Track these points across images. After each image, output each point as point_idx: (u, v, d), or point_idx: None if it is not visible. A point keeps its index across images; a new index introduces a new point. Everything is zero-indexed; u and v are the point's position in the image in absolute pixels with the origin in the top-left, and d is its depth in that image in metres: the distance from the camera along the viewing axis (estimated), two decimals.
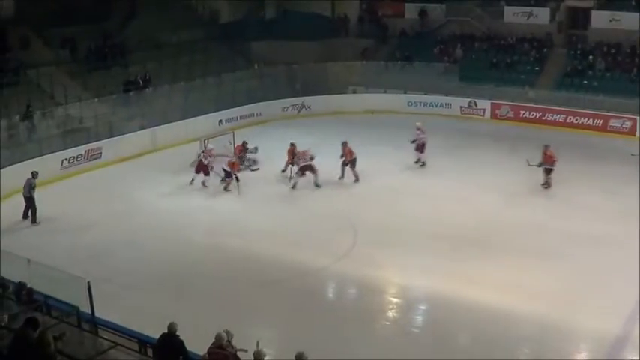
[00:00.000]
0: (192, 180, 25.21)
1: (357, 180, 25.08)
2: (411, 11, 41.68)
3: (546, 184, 24.05)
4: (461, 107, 35.05)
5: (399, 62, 38.34)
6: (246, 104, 34.24)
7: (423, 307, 17.39)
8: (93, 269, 16.97)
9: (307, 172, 24.65)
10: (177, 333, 11.95)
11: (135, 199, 24.12)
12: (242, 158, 26.63)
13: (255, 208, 23.31)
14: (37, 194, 22.31)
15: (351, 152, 25.11)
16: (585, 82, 34.07)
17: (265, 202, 23.77)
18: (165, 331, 12.00)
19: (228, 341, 12.09)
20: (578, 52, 36.01)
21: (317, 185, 24.64)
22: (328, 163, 25.03)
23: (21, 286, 13.84)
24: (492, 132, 31.75)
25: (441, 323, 16.01)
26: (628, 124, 30.77)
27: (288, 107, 35.70)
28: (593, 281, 17.35)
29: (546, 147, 24.13)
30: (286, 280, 17.97)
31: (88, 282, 13.99)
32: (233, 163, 24.78)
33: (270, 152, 26.74)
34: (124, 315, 14.60)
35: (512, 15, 38.69)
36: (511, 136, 29.85)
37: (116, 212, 22.71)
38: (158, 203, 23.79)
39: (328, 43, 40.22)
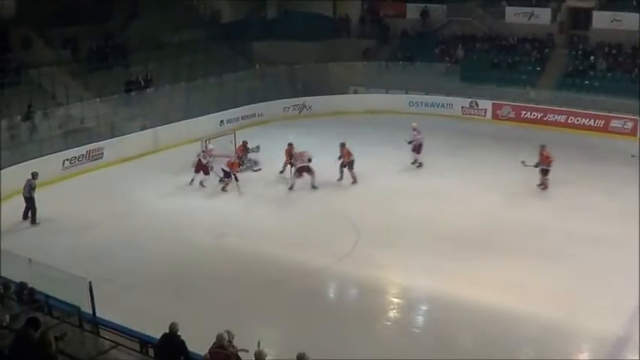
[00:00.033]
0: (192, 180, 25.24)
1: (354, 181, 25.00)
2: (412, 11, 41.64)
3: (543, 185, 24.01)
4: (462, 107, 35.03)
5: (400, 62, 38.31)
6: (248, 104, 34.26)
7: (424, 308, 17.40)
8: (94, 269, 17.03)
9: (305, 174, 24.56)
10: (179, 333, 11.95)
11: (136, 200, 24.14)
12: (243, 158, 26.64)
13: (256, 208, 23.32)
14: (39, 194, 22.33)
15: (349, 153, 25.01)
16: (586, 82, 34.05)
17: (266, 202, 23.78)
18: (167, 331, 12.01)
19: (230, 341, 12.09)
20: (580, 52, 36.01)
21: (314, 187, 24.55)
22: (329, 163, 24.98)
23: (22, 286, 13.86)
24: (493, 132, 31.75)
25: (442, 324, 16.01)
26: (629, 124, 30.74)
27: (289, 107, 35.72)
28: (594, 281, 17.35)
29: (543, 147, 24.09)
30: (287, 280, 17.97)
31: (90, 282, 14.03)
32: (232, 164, 24.78)
33: (272, 152, 26.73)
34: (125, 315, 14.63)
35: (514, 15, 38.66)
36: (512, 137, 29.82)
37: (117, 212, 22.72)
38: (159, 203, 23.80)
39: (329, 43, 40.22)
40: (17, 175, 22.87)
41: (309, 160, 24.47)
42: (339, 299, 18.32)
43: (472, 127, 32.80)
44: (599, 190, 23.79)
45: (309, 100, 35.87)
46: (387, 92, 36.88)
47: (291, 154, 25.27)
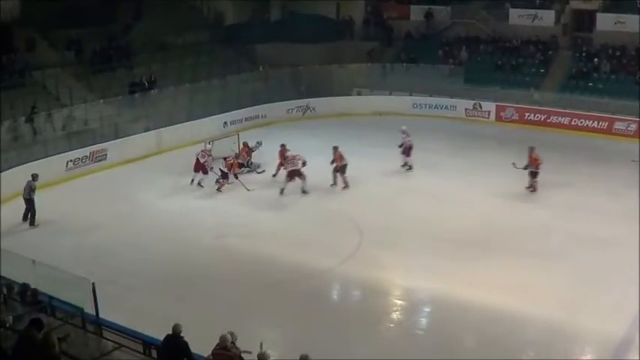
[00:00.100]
0: (193, 180, 25.28)
1: (346, 186, 24.70)
2: (416, 13, 41.67)
3: (531, 188, 23.94)
4: (466, 109, 35.02)
5: (404, 64, 38.34)
6: (251, 106, 34.29)
7: (427, 309, 17.36)
8: (97, 270, 17.07)
9: (296, 177, 24.17)
10: (182, 334, 11.95)
11: (139, 201, 24.15)
12: (247, 160, 26.67)
13: (259, 209, 23.28)
14: (42, 195, 22.37)
15: (341, 157, 24.71)
16: (590, 84, 34.05)
17: (269, 203, 23.74)
18: (170, 332, 12.01)
19: (233, 343, 12.11)
20: (583, 54, 36.02)
21: (304, 192, 24.20)
22: (331, 165, 24.97)
23: (25, 287, 13.87)
24: (497, 134, 31.75)
25: (445, 324, 16.00)
26: (633, 126, 30.72)
27: (293, 109, 35.74)
28: (596, 282, 17.34)
29: (532, 149, 24.01)
30: (290, 281, 17.97)
31: (93, 283, 14.06)
32: (231, 164, 24.79)
33: (275, 154, 26.66)
34: (129, 316, 14.66)
35: (518, 17, 38.69)
36: (516, 139, 29.79)
37: (121, 214, 22.74)
38: (163, 205, 23.81)
39: (333, 45, 40.24)
40: (21, 176, 22.85)
41: (304, 164, 24.16)
42: (343, 301, 18.29)
43: (476, 129, 32.79)
44: (603, 191, 23.76)
45: (312, 101, 35.91)
46: (390, 94, 36.92)
47: (284, 156, 25.18)
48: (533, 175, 23.80)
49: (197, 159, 25.27)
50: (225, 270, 18.90)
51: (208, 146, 26.03)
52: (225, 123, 32.40)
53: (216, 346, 11.97)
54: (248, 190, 24.65)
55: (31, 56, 30.92)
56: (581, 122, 32.22)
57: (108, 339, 12.23)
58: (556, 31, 37.80)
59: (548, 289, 17.04)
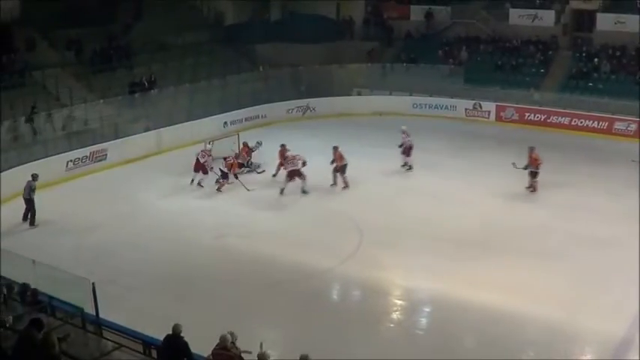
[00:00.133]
0: (192, 180, 25.29)
1: (346, 186, 24.67)
2: (416, 13, 41.66)
3: (531, 187, 23.93)
4: (466, 109, 35.03)
5: (404, 64, 38.34)
6: (251, 106, 34.29)
7: (427, 309, 17.36)
8: (97, 270, 17.08)
9: (296, 177, 24.13)
10: (182, 334, 11.95)
11: (139, 201, 24.15)
12: (247, 160, 26.67)
13: (259, 209, 23.28)
14: (42, 195, 22.38)
15: (341, 157, 24.68)
16: (590, 84, 34.06)
17: (269, 203, 23.73)
18: (170, 332, 12.01)
19: (233, 343, 12.11)
20: (584, 54, 36.02)
21: (304, 192, 24.16)
22: (331, 165, 24.97)
23: (25, 287, 13.87)
24: (497, 134, 31.75)
25: (445, 324, 16.00)
26: (633, 126, 30.71)
27: (293, 109, 35.75)
28: (596, 282, 17.34)
29: (532, 149, 24.01)
30: (290, 281, 17.97)
31: (93, 283, 14.06)
32: (231, 164, 24.79)
33: (275, 154, 26.65)
34: (129, 316, 14.68)
35: (518, 17, 38.69)
36: (516, 139, 29.78)
37: (121, 214, 22.74)
38: (163, 205, 23.81)
39: (333, 45, 40.23)
40: (21, 176, 22.85)
41: (304, 164, 24.13)
42: (343, 301, 18.28)
43: (476, 129, 32.80)
44: (603, 191, 23.77)
45: (312, 101, 35.92)
46: (390, 94, 36.93)
47: (284, 156, 25.16)
48: (533, 175, 23.80)
49: (197, 159, 25.30)
50: (225, 270, 18.90)
51: (208, 146, 26.04)
52: (225, 123, 32.40)
53: (216, 346, 11.97)
54: (248, 190, 24.66)
55: (31, 56, 30.92)
56: (581, 122, 32.22)
57: (108, 339, 12.23)
58: (556, 31, 37.80)
59: (548, 289, 17.04)
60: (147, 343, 12.94)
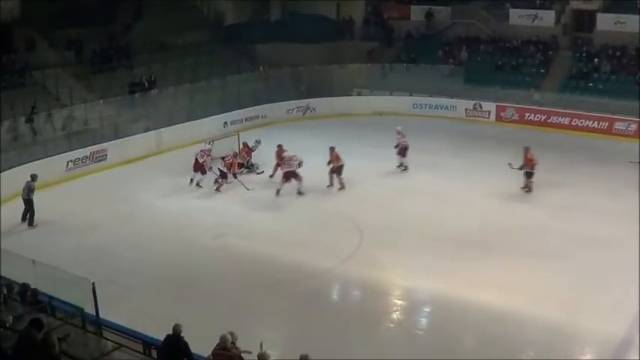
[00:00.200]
0: (192, 180, 25.29)
1: (342, 187, 24.59)
2: (416, 13, 41.68)
3: (527, 188, 23.91)
4: (466, 110, 35.03)
5: (404, 64, 38.34)
6: (252, 106, 34.30)
7: (427, 309, 17.35)
8: (97, 270, 17.06)
9: (292, 179, 24.04)
10: (182, 334, 11.95)
11: (139, 201, 24.15)
12: (247, 160, 26.65)
13: (259, 209, 23.29)
14: (42, 195, 22.39)
15: (338, 158, 24.60)
16: (590, 84, 34.07)
17: (269, 203, 23.73)
18: (170, 332, 12.01)
19: (233, 343, 12.11)
20: (584, 54, 36.04)
21: (300, 193, 24.07)
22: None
23: (25, 287, 13.87)
24: (497, 134, 31.73)
25: (446, 325, 15.98)
26: (633, 126, 30.71)
27: (293, 109, 35.76)
28: (596, 282, 17.34)
29: (527, 149, 23.97)
30: (291, 281, 17.95)
31: (93, 283, 14.05)
32: (231, 163, 24.78)
33: (274, 154, 26.64)
34: (129, 316, 14.70)
35: (518, 17, 38.71)
36: (516, 139, 29.75)
37: (121, 214, 22.74)
38: (162, 205, 23.81)
39: (333, 45, 40.24)
40: (21, 176, 22.83)
41: (299, 165, 24.02)
42: (343, 301, 18.26)
43: (476, 129, 32.80)
44: (603, 191, 23.77)
45: (312, 101, 35.93)
46: (390, 94, 36.94)
47: (280, 157, 25.13)
48: (529, 175, 23.78)
49: (196, 159, 25.28)
50: (225, 270, 18.90)
51: (207, 146, 26.04)
52: (226, 123, 32.41)
53: (217, 346, 11.97)
54: (247, 189, 24.65)
55: (31, 56, 30.92)
56: (582, 122, 32.22)
57: (108, 339, 12.23)
58: (556, 32, 37.81)
59: (548, 289, 17.04)
60: (147, 343, 12.94)
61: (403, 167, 26.70)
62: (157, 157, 29.04)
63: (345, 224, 21.59)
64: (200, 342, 12.19)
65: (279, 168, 25.01)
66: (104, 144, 28.06)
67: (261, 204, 23.66)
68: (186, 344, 11.87)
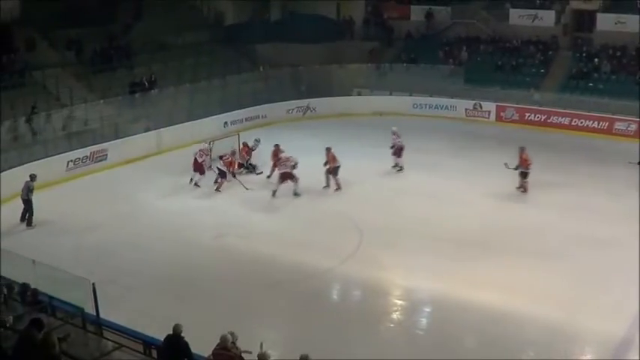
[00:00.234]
0: (192, 179, 25.29)
1: (338, 188, 24.50)
2: (416, 13, 41.68)
3: (522, 188, 23.91)
4: (466, 110, 35.04)
5: (404, 64, 38.35)
6: (252, 106, 34.30)
7: (427, 309, 17.35)
8: (98, 270, 17.07)
9: (288, 180, 23.94)
10: (182, 334, 11.96)
11: (140, 201, 24.15)
12: (246, 161, 26.64)
13: (259, 209, 23.30)
14: (43, 195, 22.41)
15: (334, 158, 24.52)
16: (590, 84, 34.08)
17: (269, 203, 23.72)
18: (170, 332, 12.02)
19: (233, 343, 12.11)
20: (584, 54, 36.05)
21: (296, 194, 23.98)
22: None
23: (25, 287, 13.87)
24: (497, 134, 31.72)
25: (446, 325, 15.99)
26: (633, 126, 30.70)
27: (293, 109, 35.77)
28: (597, 283, 17.33)
29: (522, 149, 23.98)
30: (291, 281, 17.95)
31: (93, 283, 14.05)
32: (230, 162, 24.78)
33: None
34: (129, 316, 14.70)
35: (518, 17, 38.71)
36: (516, 139, 29.73)
37: (121, 214, 22.74)
38: (163, 205, 23.81)
39: (333, 45, 40.24)
40: (21, 176, 22.81)
41: (294, 167, 23.91)
42: (343, 301, 18.27)
43: (476, 129, 32.81)
44: (603, 191, 23.77)
45: (313, 101, 35.94)
46: (390, 94, 36.96)
47: (277, 157, 25.06)
48: (524, 175, 23.78)
49: (195, 158, 25.29)
50: (225, 270, 18.91)
51: (205, 145, 26.03)
52: (226, 123, 32.41)
53: (217, 346, 11.98)
54: (246, 189, 24.66)
55: (31, 56, 30.92)
56: (582, 122, 32.22)
57: (108, 339, 12.23)
58: (556, 32, 37.81)
59: (548, 289, 17.04)
60: (147, 343, 12.95)
61: (398, 167, 26.68)
62: (157, 157, 29.04)
63: (345, 224, 21.59)
64: (200, 342, 12.19)
65: (275, 168, 24.98)
66: (104, 144, 28.07)
67: (261, 204, 23.67)
68: (186, 344, 11.87)
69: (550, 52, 36.84)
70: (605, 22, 36.14)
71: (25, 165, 24.33)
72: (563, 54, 36.95)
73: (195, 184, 25.17)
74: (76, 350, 10.59)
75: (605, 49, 35.49)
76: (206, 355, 12.13)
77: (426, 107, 35.53)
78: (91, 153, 27.39)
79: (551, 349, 14.72)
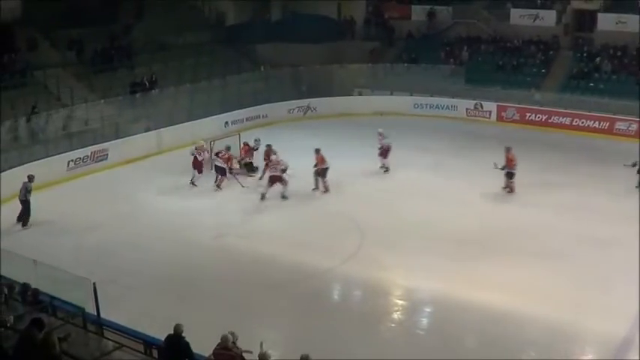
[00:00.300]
0: (192, 178, 25.29)
1: (326, 191, 24.34)
2: (417, 13, 41.66)
3: (508, 188, 23.89)
4: (467, 109, 35.04)
5: (405, 64, 38.35)
6: (252, 106, 34.33)
7: (428, 309, 17.35)
8: (98, 270, 17.06)
9: (277, 183, 23.76)
10: (183, 334, 11.96)
11: (140, 201, 24.16)
12: (243, 158, 26.57)
13: (259, 209, 23.30)
14: (43, 195, 22.46)
15: (323, 160, 24.35)
16: (591, 84, 34.06)
17: (269, 203, 23.67)
18: (171, 332, 12.02)
19: (234, 342, 12.12)
20: (585, 54, 36.03)
21: (283, 197, 23.75)
22: (332, 165, 24.90)
23: (26, 287, 13.88)
24: (498, 134, 31.63)
25: (447, 325, 15.99)
26: (634, 126, 30.68)
27: (293, 109, 35.78)
28: (598, 283, 17.33)
29: (508, 150, 23.96)
30: (291, 282, 17.95)
31: (94, 283, 14.05)
32: (228, 157, 24.77)
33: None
34: (130, 316, 14.70)
35: (519, 17, 38.68)
36: (517, 139, 29.74)
37: (121, 213, 22.75)
38: (163, 204, 23.82)
39: (334, 45, 40.28)
40: (21, 176, 22.79)
41: (284, 171, 23.74)
42: (344, 301, 18.26)
43: (477, 129, 32.80)
44: (604, 191, 23.74)
45: (313, 101, 35.95)
46: (391, 94, 36.94)
47: (269, 157, 24.94)
48: (510, 175, 23.74)
49: (195, 157, 25.28)
50: (225, 270, 18.91)
51: (201, 142, 26.02)
52: (226, 123, 32.44)
53: (217, 346, 11.99)
54: (243, 187, 24.66)
55: (32, 56, 30.96)
56: (582, 122, 32.21)
57: (109, 339, 12.23)
58: (557, 31, 37.79)
59: (548, 289, 17.03)
60: (148, 343, 12.95)
61: (385, 168, 26.61)
62: (158, 157, 29.06)
63: (346, 224, 21.60)
64: (201, 342, 12.19)
65: (267, 171, 24.83)
66: (105, 144, 28.10)
67: (262, 204, 23.64)
68: (187, 344, 11.88)
69: (551, 52, 36.84)
70: (606, 22, 36.12)
71: (26, 165, 24.35)
72: (564, 54, 36.95)
73: (193, 183, 25.15)
74: (77, 350, 10.59)
75: (605, 49, 35.47)
76: (207, 354, 12.13)
77: (426, 107, 35.52)
78: (91, 153, 27.42)
79: (551, 349, 14.72)
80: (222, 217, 22.71)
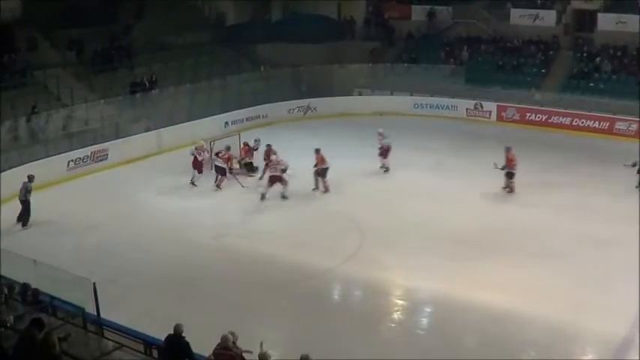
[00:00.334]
0: (193, 177, 25.30)
1: (326, 191, 24.34)
2: (417, 13, 41.67)
3: (508, 188, 23.89)
4: (467, 109, 35.04)
5: (405, 64, 38.35)
6: (252, 106, 34.33)
7: (428, 309, 17.35)
8: (98, 270, 17.06)
9: (277, 183, 23.74)
10: (183, 334, 11.96)
11: (140, 201, 24.16)
12: (243, 158, 26.55)
13: (259, 209, 23.31)
14: (43, 195, 22.45)
15: (323, 160, 24.34)
16: (591, 84, 34.06)
17: (269, 203, 23.67)
18: (171, 332, 12.03)
19: (234, 342, 12.11)
20: (585, 54, 36.03)
21: (283, 197, 23.74)
22: (332, 165, 24.91)
23: (26, 287, 13.88)
24: (498, 134, 31.62)
25: (446, 325, 15.99)
26: (634, 126, 30.68)
27: (294, 109, 35.78)
28: (598, 283, 17.32)
29: (508, 150, 23.97)
30: (291, 281, 17.95)
31: (94, 283, 14.05)
32: (228, 157, 24.77)
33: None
34: (130, 316, 14.70)
35: (519, 17, 38.69)
36: (517, 139, 29.74)
37: (121, 213, 22.75)
38: (163, 204, 23.82)
39: (334, 45, 40.29)
40: (21, 176, 22.79)
41: (284, 171, 23.73)
42: (344, 301, 18.26)
43: (477, 129, 32.80)
44: (604, 191, 23.74)
45: (313, 101, 35.96)
46: (391, 94, 36.94)
47: (269, 157, 24.95)
48: (510, 175, 23.75)
49: (195, 157, 25.28)
50: (225, 270, 18.91)
51: (202, 142, 26.02)
52: (226, 123, 32.45)
53: (218, 346, 11.98)
54: (243, 186, 24.67)
55: (32, 56, 30.97)
56: (582, 122, 32.21)
57: (109, 339, 12.24)
58: (557, 31, 37.80)
59: (548, 289, 17.03)
60: (148, 343, 12.95)
61: (385, 168, 26.62)
62: (158, 157, 29.06)
63: (346, 224, 21.60)
64: (201, 342, 12.19)
65: (267, 170, 24.83)
66: (105, 144, 28.11)
67: (262, 204, 23.64)
68: (187, 344, 11.88)
69: (551, 52, 36.85)
70: (606, 22, 36.13)
71: (26, 165, 24.36)
72: (564, 54, 36.96)
73: (193, 183, 25.15)
74: (77, 350, 10.60)
75: (605, 48, 35.48)
76: (207, 354, 12.13)
77: (426, 107, 35.52)
78: (91, 153, 27.42)
79: (551, 349, 14.72)
80: (222, 217, 22.71)
